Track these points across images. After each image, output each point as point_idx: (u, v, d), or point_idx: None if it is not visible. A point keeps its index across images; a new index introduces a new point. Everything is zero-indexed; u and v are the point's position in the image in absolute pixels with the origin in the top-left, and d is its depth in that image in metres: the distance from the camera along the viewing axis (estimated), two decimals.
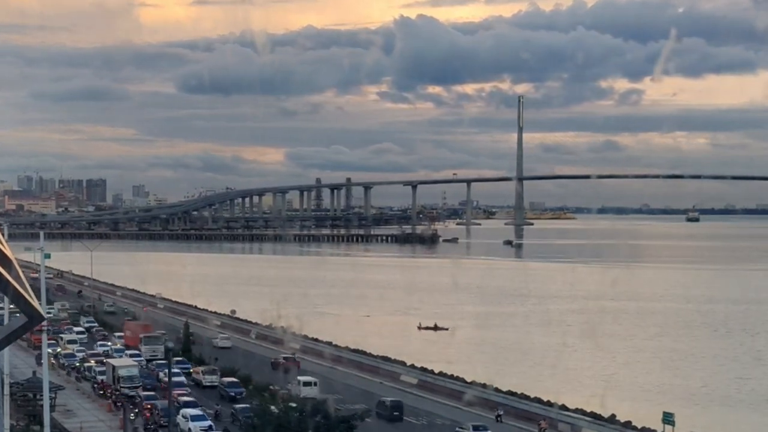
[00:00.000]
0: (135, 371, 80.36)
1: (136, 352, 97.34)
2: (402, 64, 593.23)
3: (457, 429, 67.37)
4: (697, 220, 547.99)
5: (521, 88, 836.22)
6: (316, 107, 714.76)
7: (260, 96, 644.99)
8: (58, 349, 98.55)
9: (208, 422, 66.43)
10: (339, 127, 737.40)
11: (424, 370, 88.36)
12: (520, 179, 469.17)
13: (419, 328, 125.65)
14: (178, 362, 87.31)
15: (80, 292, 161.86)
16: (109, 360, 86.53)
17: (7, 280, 12.36)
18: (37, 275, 69.47)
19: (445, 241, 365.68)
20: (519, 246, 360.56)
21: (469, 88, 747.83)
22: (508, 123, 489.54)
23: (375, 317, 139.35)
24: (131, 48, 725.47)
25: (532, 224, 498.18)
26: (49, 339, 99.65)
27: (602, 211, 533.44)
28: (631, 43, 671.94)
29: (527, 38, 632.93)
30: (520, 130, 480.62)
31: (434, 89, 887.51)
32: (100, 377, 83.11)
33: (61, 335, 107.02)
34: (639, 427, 67.68)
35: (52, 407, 63.72)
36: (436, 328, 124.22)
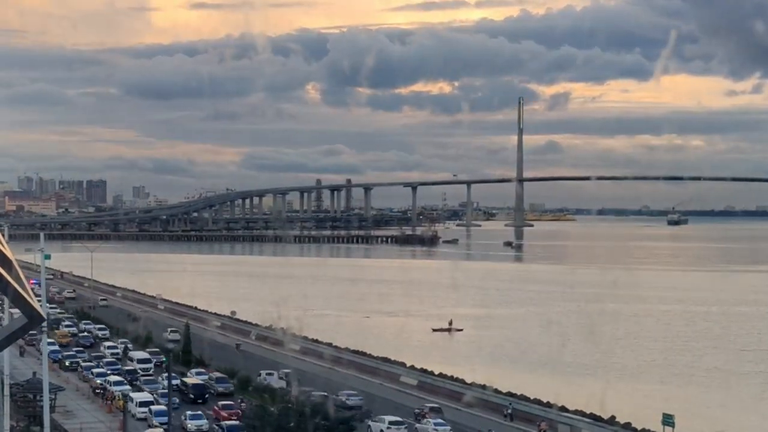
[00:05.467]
0: None
1: None
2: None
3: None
4: (678, 222, 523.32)
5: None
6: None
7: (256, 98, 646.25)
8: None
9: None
10: (340, 130, 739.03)
11: (423, 371, 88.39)
12: (520, 181, 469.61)
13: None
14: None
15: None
16: None
17: (7, 281, 12.42)
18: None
19: (445, 242, 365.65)
20: (519, 247, 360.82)
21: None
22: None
23: (375, 318, 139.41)
24: (131, 50, 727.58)
25: (532, 225, 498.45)
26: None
27: (602, 212, 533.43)
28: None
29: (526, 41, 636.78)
30: (521, 132, 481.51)
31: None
32: None
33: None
34: (639, 428, 67.69)
35: (52, 408, 63.77)
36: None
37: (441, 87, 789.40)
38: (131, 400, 72.89)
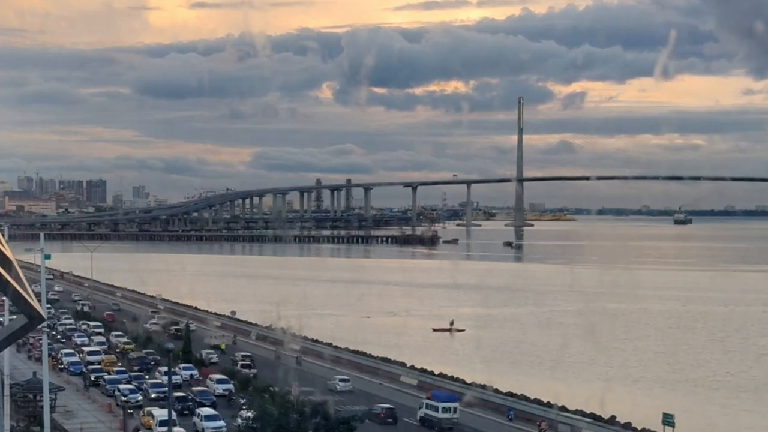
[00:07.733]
0: None
1: None
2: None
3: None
4: (684, 222, 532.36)
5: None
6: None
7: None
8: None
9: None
10: (344, 130, 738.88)
11: (424, 371, 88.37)
12: (520, 180, 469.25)
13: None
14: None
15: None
16: None
17: (7, 281, 12.40)
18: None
19: (445, 242, 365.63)
20: (519, 247, 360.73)
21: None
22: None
23: (375, 318, 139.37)
24: (131, 49, 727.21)
25: (532, 225, 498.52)
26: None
27: (601, 212, 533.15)
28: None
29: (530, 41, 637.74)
30: (521, 131, 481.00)
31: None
32: None
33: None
34: (639, 428, 67.66)
35: (52, 408, 63.75)
36: None
37: (455, 86, 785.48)
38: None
